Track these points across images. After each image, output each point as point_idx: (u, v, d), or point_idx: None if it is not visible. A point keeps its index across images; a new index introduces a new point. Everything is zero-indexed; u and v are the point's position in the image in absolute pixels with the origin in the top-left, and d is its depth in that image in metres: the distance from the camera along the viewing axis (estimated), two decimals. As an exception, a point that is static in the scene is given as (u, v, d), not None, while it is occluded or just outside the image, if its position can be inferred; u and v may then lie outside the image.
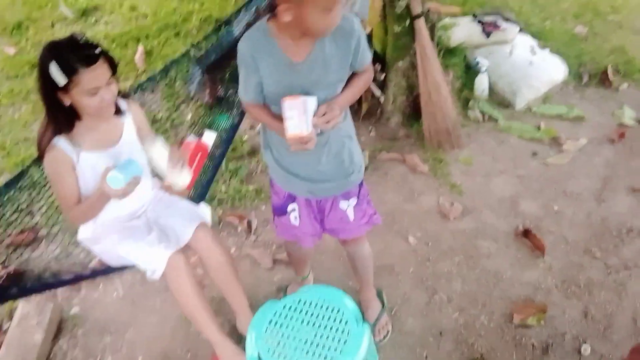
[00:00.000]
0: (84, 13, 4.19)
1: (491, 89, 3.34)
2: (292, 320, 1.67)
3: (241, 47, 1.55)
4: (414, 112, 3.15)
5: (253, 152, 3.07)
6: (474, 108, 3.25)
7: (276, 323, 1.66)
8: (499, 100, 3.33)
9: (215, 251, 1.91)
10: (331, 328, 1.62)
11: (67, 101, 1.57)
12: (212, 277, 1.97)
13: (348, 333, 1.60)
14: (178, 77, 3.57)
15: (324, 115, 1.50)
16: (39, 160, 1.70)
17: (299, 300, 1.72)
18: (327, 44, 1.51)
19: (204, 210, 2.02)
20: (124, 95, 1.84)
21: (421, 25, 2.83)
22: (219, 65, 3.44)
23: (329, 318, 1.66)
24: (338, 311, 1.67)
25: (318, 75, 1.54)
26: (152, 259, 1.77)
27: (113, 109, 1.67)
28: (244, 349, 1.69)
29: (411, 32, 2.89)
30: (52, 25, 4.12)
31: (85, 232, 1.87)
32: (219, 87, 3.42)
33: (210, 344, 1.89)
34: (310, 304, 1.71)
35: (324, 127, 1.52)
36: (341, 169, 1.71)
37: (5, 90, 3.57)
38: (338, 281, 2.31)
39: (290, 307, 1.71)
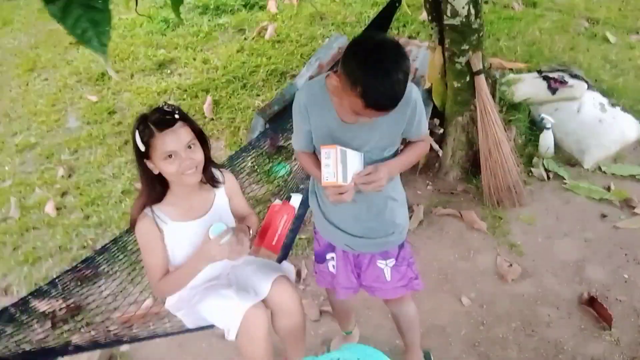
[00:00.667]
0: (161, 65, 4.48)
1: (557, 147, 3.21)
2: (330, 378, 1.61)
3: (298, 96, 1.59)
4: (473, 167, 3.08)
5: (307, 200, 3.09)
6: (538, 166, 3.13)
7: (313, 380, 1.61)
8: (566, 158, 3.19)
9: (290, 305, 1.79)
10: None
11: (154, 169, 1.60)
12: (279, 329, 1.85)
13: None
14: (242, 127, 3.72)
15: (367, 174, 1.49)
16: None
17: (338, 359, 1.67)
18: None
19: (287, 268, 1.94)
20: (218, 165, 1.83)
21: (482, 81, 2.80)
22: (281, 116, 3.56)
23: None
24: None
25: (365, 139, 1.54)
26: (230, 314, 1.68)
27: (198, 177, 1.64)
28: None
29: (471, 87, 2.86)
30: (131, 76, 4.44)
31: (171, 300, 1.84)
32: (280, 136, 3.52)
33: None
34: (350, 363, 1.65)
35: (364, 188, 1.50)
36: (381, 229, 1.68)
37: (84, 134, 3.83)
38: (385, 339, 2.23)
39: (329, 364, 1.66)
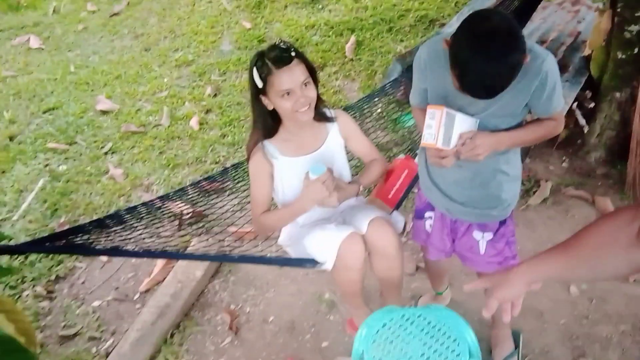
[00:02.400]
0: (314, -1, 4.57)
1: None
2: (405, 332, 1.64)
3: (420, 50, 1.54)
4: (621, 151, 2.75)
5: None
6: (702, 162, 2.71)
7: (389, 328, 1.65)
8: None
9: (388, 247, 1.76)
10: (440, 354, 1.55)
11: (269, 105, 1.64)
12: (376, 270, 1.85)
13: (457, 366, 1.52)
14: (379, 72, 3.69)
15: (463, 142, 1.42)
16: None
17: (419, 316, 1.68)
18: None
19: (396, 218, 1.93)
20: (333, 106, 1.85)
21: (652, 55, 2.44)
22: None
23: (442, 344, 1.59)
24: (454, 341, 1.59)
25: (482, 107, 1.45)
26: (326, 245, 1.72)
27: (311, 114, 1.67)
28: None
29: (638, 61, 2.52)
30: (285, 7, 4.58)
31: (283, 237, 1.93)
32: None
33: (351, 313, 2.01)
34: (429, 323, 1.66)
35: (460, 154, 1.44)
36: (484, 200, 1.61)
37: (234, 58, 4.09)
38: (476, 308, 2.16)
39: (408, 319, 1.68)
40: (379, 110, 3.44)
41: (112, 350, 2.19)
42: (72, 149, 3.46)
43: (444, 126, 1.41)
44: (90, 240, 1.97)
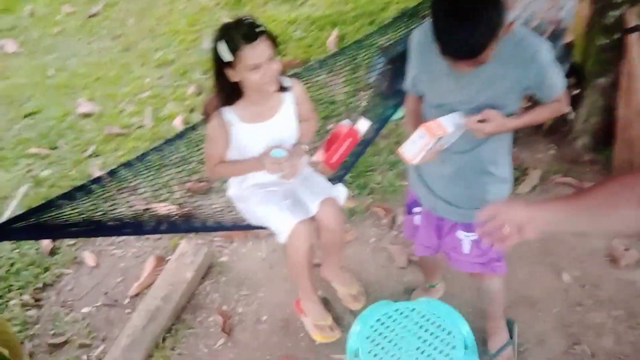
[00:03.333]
0: (295, -6, 4.52)
1: None
2: (399, 326, 1.63)
3: (414, 34, 1.54)
4: (607, 136, 2.76)
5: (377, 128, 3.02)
6: (687, 144, 2.73)
7: (383, 324, 1.64)
8: None
9: (333, 224, 2.00)
10: (435, 348, 1.54)
11: (233, 77, 1.72)
12: (321, 242, 2.10)
13: None
14: (362, 65, 3.66)
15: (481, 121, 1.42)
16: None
17: (413, 309, 1.67)
18: (499, 64, 1.38)
19: (340, 190, 2.11)
20: (292, 75, 1.99)
21: (634, 40, 2.44)
22: (404, 57, 3.44)
23: (436, 337, 1.58)
24: (449, 333, 1.59)
25: (475, 93, 1.44)
26: (281, 223, 1.93)
27: (275, 86, 1.77)
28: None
29: (620, 46, 2.52)
30: (265, 3, 4.53)
31: (232, 190, 2.09)
32: (399, 79, 3.43)
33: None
34: (423, 316, 1.65)
35: (468, 126, 1.44)
36: (468, 200, 1.60)
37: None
38: (469, 300, 2.18)
39: (402, 313, 1.67)
40: (364, 104, 3.42)
41: (103, 357, 2.15)
42: (55, 153, 3.39)
43: (427, 150, 1.43)
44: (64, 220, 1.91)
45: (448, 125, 1.45)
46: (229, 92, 1.78)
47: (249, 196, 2.04)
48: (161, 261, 2.58)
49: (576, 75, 2.78)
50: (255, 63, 1.66)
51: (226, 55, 1.65)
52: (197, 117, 3.58)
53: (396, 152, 1.51)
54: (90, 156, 3.33)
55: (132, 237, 2.77)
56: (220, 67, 1.71)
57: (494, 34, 1.24)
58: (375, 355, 1.53)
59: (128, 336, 2.16)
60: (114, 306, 2.42)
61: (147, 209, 2.58)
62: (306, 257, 1.98)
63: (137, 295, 2.44)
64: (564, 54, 2.93)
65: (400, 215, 2.66)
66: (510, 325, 2.02)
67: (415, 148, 1.44)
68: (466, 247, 1.67)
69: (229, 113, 1.82)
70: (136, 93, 3.86)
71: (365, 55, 3.47)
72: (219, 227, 2.49)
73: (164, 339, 2.22)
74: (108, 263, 2.64)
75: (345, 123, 2.18)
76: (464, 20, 1.21)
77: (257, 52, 1.65)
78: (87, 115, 3.68)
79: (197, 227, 2.46)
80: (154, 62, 4.14)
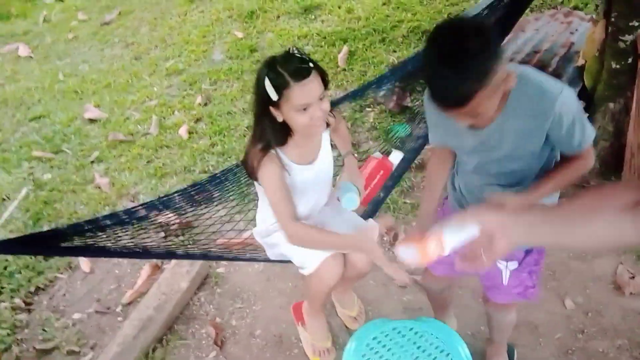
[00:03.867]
0: (307, 10, 4.53)
1: None
2: (396, 345, 1.58)
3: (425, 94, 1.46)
4: (615, 162, 2.71)
5: (421, 166, 2.98)
6: (698, 173, 2.67)
7: (380, 342, 1.59)
8: None
9: (362, 262, 1.83)
10: (432, 366, 1.49)
11: (279, 117, 1.54)
12: (344, 277, 1.85)
13: (450, 380, 1.45)
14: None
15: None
16: (250, 178, 1.69)
17: (411, 329, 1.62)
18: (511, 118, 1.30)
19: (372, 225, 1.92)
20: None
21: (646, 65, 2.42)
22: (413, 76, 3.42)
23: (434, 358, 1.53)
24: (447, 355, 1.53)
25: (492, 148, 1.37)
26: (309, 259, 1.75)
27: (324, 127, 1.63)
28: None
29: (632, 71, 2.49)
30: (278, 17, 4.55)
31: (260, 227, 1.91)
32: (407, 96, 3.41)
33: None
34: (422, 337, 1.60)
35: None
36: None
37: (225, 67, 4.05)
38: (471, 322, 2.11)
39: (399, 332, 1.62)
40: (371, 120, 3.40)
41: (91, 365, 2.10)
42: (58, 157, 3.39)
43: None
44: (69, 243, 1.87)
45: (452, 240, 1.18)
46: (276, 133, 1.58)
47: (274, 230, 1.85)
48: (156, 269, 2.54)
49: (586, 99, 2.75)
50: (304, 103, 1.49)
51: (272, 93, 1.47)
52: (202, 126, 3.58)
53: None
54: (93, 162, 3.32)
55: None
56: (264, 106, 1.53)
57: (483, 84, 1.13)
58: (369, 374, 1.48)
59: (118, 345, 2.12)
60: (106, 313, 2.37)
61: (144, 218, 2.53)
62: (331, 289, 1.86)
63: (130, 303, 2.40)
64: (575, 77, 2.91)
65: (402, 233, 2.61)
66: (510, 351, 1.96)
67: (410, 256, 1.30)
68: (505, 278, 1.57)
69: (282, 154, 1.63)
70: (144, 101, 3.86)
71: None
72: (234, 258, 2.42)
73: (154, 349, 2.16)
74: (103, 269, 2.60)
75: (376, 155, 2.13)
76: (450, 68, 1.13)
77: (306, 91, 1.48)
78: (93, 121, 3.68)
79: (193, 255, 2.42)
80: (163, 71, 4.15)
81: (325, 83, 1.54)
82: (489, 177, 1.49)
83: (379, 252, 1.62)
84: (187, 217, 2.62)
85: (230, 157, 3.27)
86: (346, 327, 2.20)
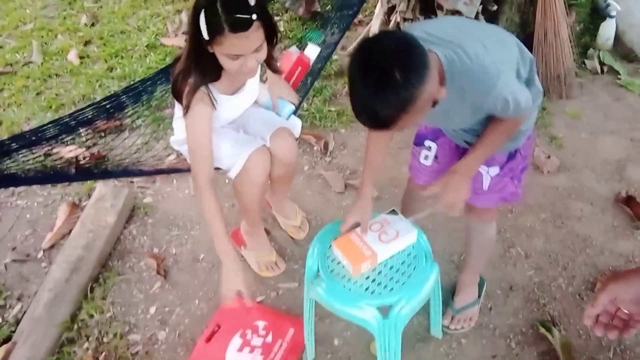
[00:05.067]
0: None
1: (617, 39, 2.94)
2: (357, 242, 1.58)
3: None
4: (522, 52, 2.84)
5: (340, 73, 2.93)
6: (593, 57, 2.89)
7: (341, 242, 1.58)
8: (625, 52, 2.94)
9: (287, 155, 1.81)
10: (397, 259, 1.52)
11: (211, 50, 1.44)
12: (273, 174, 1.84)
13: (415, 268, 1.49)
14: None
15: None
16: (185, 110, 1.55)
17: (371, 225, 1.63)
18: (453, 101, 1.26)
19: (294, 123, 1.91)
20: None
21: (550, -49, 2.48)
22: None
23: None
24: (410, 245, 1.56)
25: (440, 123, 1.48)
26: (234, 156, 1.70)
27: (256, 72, 1.55)
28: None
29: (536, -40, 2.56)
30: None
31: (179, 135, 1.79)
32: (316, 1, 3.27)
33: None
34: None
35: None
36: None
37: (108, -18, 3.60)
38: (440, 251, 2.07)
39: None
40: (281, 29, 3.24)
41: (22, 316, 1.90)
42: None
43: (347, 257, 1.45)
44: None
45: (384, 254, 1.47)
46: (207, 66, 1.48)
47: None
48: (75, 208, 2.31)
49: (494, -9, 2.80)
50: (236, 54, 1.40)
51: (204, 33, 1.36)
52: (94, 49, 3.20)
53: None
54: (-31, 99, 2.87)
55: (35, 186, 2.46)
56: (198, 38, 1.39)
57: (405, 111, 1.10)
58: (338, 273, 1.48)
59: (50, 290, 1.93)
60: (25, 261, 2.14)
61: (49, 154, 2.27)
62: (262, 188, 1.80)
63: (52, 247, 2.18)
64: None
65: (332, 142, 2.59)
66: (481, 284, 1.92)
67: (345, 262, 1.45)
68: (486, 183, 1.55)
69: (211, 87, 1.55)
70: (17, 25, 3.37)
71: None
72: (139, 173, 2.26)
73: (92, 289, 2.01)
74: (11, 215, 2.33)
75: (292, 50, 2.01)
76: (371, 95, 1.08)
77: (240, 44, 1.37)
78: (-42, 53, 3.15)
79: (112, 172, 2.21)
80: (33, -11, 3.61)
81: (270, 34, 1.44)
82: (453, 131, 1.55)
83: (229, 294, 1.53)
84: (96, 149, 2.39)
85: (133, 80, 2.98)
86: (292, 238, 2.18)
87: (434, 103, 1.20)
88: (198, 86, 1.51)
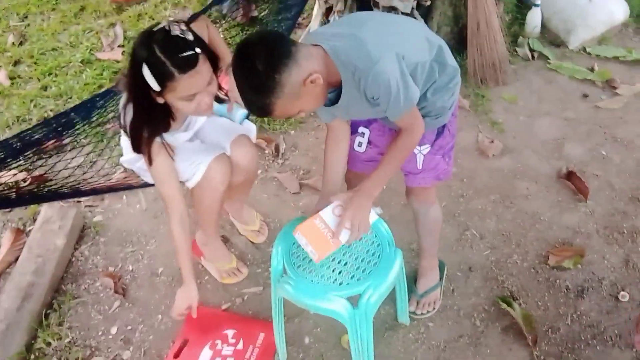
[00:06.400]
0: None
1: (544, 26, 3.10)
2: (320, 237, 1.59)
3: None
4: (458, 44, 2.95)
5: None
6: (523, 45, 3.03)
7: (303, 238, 1.58)
8: (551, 38, 3.10)
9: (248, 162, 1.80)
10: (362, 248, 1.54)
11: (161, 100, 1.43)
12: (232, 182, 1.81)
13: (379, 256, 1.52)
14: (210, -5, 3.41)
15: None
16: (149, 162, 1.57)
17: (329, 219, 1.64)
18: (347, 92, 1.35)
19: (249, 127, 1.89)
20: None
21: (476, -54, 2.60)
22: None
23: (360, 239, 1.57)
24: (371, 233, 1.59)
25: (360, 116, 1.54)
26: (193, 164, 1.67)
27: (212, 108, 1.53)
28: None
29: (465, -46, 2.66)
30: None
31: (128, 155, 1.73)
32: (253, 7, 3.26)
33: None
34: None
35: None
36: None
37: (34, -2, 3.46)
38: (399, 240, 2.05)
39: (319, 226, 1.62)
40: (221, 36, 3.20)
41: (-28, 352, 1.79)
42: None
43: (311, 242, 1.44)
44: None
45: (344, 237, 1.46)
46: (158, 116, 1.49)
47: None
48: (20, 233, 2.20)
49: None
50: (192, 94, 1.39)
51: (153, 84, 1.34)
52: (24, 69, 3.06)
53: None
54: None
55: (-28, 214, 2.32)
56: (143, 91, 1.38)
57: (274, 97, 1.23)
58: (304, 269, 1.48)
59: (1, 321, 1.82)
60: (-30, 294, 2.01)
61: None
62: (222, 196, 1.76)
63: (-2, 276, 2.07)
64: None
65: (283, 144, 2.59)
66: (441, 267, 1.97)
67: (310, 248, 1.45)
68: (419, 162, 1.59)
69: (165, 135, 1.56)
70: (-64, 49, 3.16)
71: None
72: (90, 192, 2.17)
73: (46, 316, 1.91)
74: (-51, 249, 2.18)
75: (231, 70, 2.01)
76: (243, 86, 1.25)
77: (194, 82, 1.36)
78: None
79: (59, 194, 2.12)
80: (-48, 10, 3.41)
81: (215, 65, 1.44)
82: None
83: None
84: (37, 172, 2.28)
85: (70, 98, 2.87)
86: (252, 242, 2.16)
87: (336, 100, 1.35)
88: (152, 139, 1.52)
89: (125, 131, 1.53)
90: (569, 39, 3.04)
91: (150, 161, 1.55)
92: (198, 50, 1.33)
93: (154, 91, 1.37)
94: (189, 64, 1.33)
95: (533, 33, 3.08)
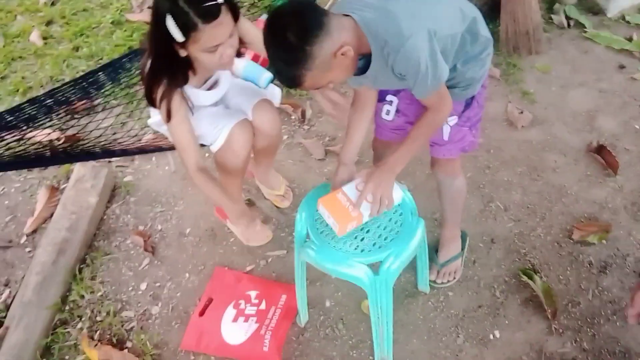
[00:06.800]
0: None
1: (582, -8, 3.00)
2: (344, 204, 1.61)
3: None
4: (491, 11, 2.86)
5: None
6: (559, 12, 2.94)
7: (327, 205, 1.61)
8: (589, 5, 2.99)
9: (269, 126, 1.81)
10: (385, 216, 1.56)
11: (183, 53, 1.43)
12: (256, 147, 1.87)
13: (401, 225, 1.53)
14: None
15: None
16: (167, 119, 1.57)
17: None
18: (375, 62, 1.32)
19: (273, 92, 1.91)
20: None
21: None
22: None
23: (382, 215, 1.58)
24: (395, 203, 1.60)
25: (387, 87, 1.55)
26: (216, 129, 1.70)
27: (233, 63, 1.53)
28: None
29: None
30: None
31: (155, 117, 1.76)
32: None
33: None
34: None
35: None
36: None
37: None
38: (422, 209, 2.06)
39: (343, 193, 1.64)
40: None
41: (11, 301, 1.89)
42: None
43: (333, 215, 1.45)
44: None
45: (366, 212, 1.47)
46: (181, 69, 1.50)
47: None
48: (55, 191, 2.28)
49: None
50: (215, 46, 1.39)
51: (177, 35, 1.34)
52: (57, 29, 3.11)
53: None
54: None
55: (9, 172, 2.41)
56: (166, 42, 1.38)
57: (306, 69, 1.22)
58: (327, 234, 1.51)
59: (37, 274, 1.92)
60: (9, 247, 2.12)
61: (21, 139, 2.22)
62: (245, 161, 1.77)
63: (34, 231, 2.16)
64: None
65: (309, 109, 2.59)
66: (463, 237, 1.97)
67: (332, 220, 1.46)
68: (446, 134, 1.58)
69: (187, 89, 1.57)
70: (-29, 8, 3.22)
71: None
72: (120, 153, 2.23)
73: (80, 271, 2.00)
74: (-11, 204, 2.28)
75: (263, 19, 2.00)
76: (275, 57, 1.24)
77: (217, 33, 1.37)
78: None
79: (91, 154, 2.18)
80: (-15, -31, 3.45)
81: (236, 17, 1.42)
82: None
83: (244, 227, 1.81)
84: (70, 132, 2.35)
85: (101, 59, 2.91)
86: (277, 207, 2.20)
87: (364, 69, 1.33)
88: (172, 92, 1.52)
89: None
90: (607, 6, 2.93)
91: (168, 116, 1.55)
92: (221, 1, 1.35)
93: (177, 43, 1.39)
94: (212, 14, 1.34)
95: (569, 0, 2.97)
